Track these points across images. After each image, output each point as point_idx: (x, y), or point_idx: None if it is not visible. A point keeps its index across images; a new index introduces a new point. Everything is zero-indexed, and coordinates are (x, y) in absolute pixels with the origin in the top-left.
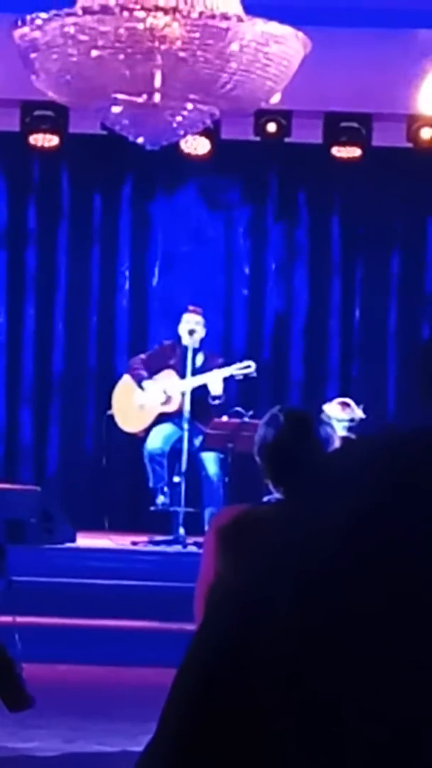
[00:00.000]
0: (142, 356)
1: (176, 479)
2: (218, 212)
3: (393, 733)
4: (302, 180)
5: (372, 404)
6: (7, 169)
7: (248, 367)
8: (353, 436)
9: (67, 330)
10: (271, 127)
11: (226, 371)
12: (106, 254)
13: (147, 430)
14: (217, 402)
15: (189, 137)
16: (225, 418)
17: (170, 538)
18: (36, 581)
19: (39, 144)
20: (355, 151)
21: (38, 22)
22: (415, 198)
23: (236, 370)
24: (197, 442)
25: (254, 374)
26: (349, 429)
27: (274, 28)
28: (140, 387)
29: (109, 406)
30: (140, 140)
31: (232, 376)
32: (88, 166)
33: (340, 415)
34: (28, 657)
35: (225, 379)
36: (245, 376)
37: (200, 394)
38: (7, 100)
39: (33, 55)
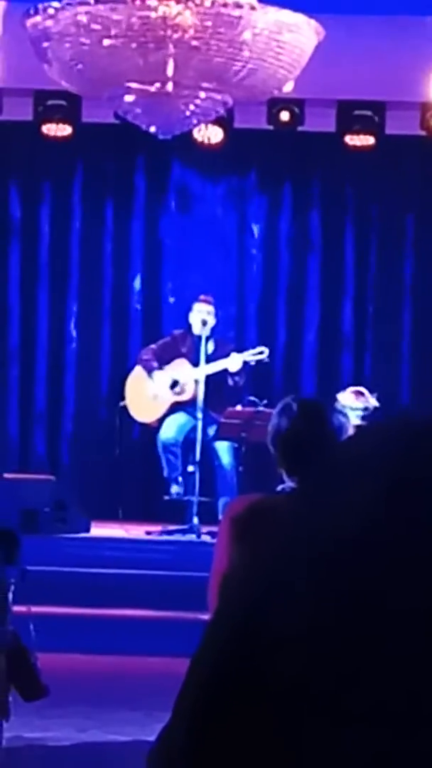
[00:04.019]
0: (153, 346)
1: (190, 469)
2: (232, 201)
3: (404, 733)
4: (315, 168)
5: (386, 393)
6: (20, 159)
7: (261, 353)
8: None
9: (80, 319)
10: (284, 115)
11: (240, 357)
12: (120, 243)
13: (161, 420)
14: (237, 379)
15: (202, 126)
16: (239, 408)
17: (184, 527)
18: (50, 571)
19: (52, 133)
20: (368, 140)
21: (50, 11)
22: (428, 186)
23: (250, 356)
24: (211, 431)
25: (267, 360)
26: (363, 418)
27: (287, 16)
28: (150, 377)
29: (122, 397)
30: (153, 129)
31: (245, 362)
32: (101, 155)
33: (354, 404)
34: (43, 646)
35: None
36: (258, 361)
37: (214, 382)
38: (20, 90)
39: (45, 44)
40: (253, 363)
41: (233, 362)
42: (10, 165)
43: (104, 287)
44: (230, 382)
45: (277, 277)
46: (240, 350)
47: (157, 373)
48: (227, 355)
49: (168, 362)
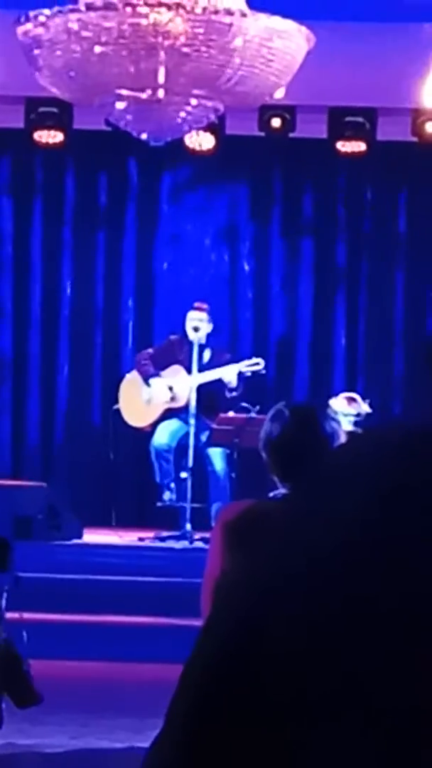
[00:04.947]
0: (150, 351)
1: (183, 475)
2: (223, 207)
3: (401, 733)
4: (307, 175)
5: (378, 399)
6: (12, 166)
7: (257, 364)
8: (359, 431)
9: (72, 324)
10: (276, 122)
11: (236, 367)
12: (112, 249)
13: (153, 425)
14: (234, 394)
15: (193, 133)
16: (231, 414)
17: (177, 533)
18: (43, 577)
19: (44, 140)
20: (359, 146)
21: (41, 18)
22: (420, 192)
23: (245, 366)
24: (204, 437)
25: (263, 371)
26: (356, 424)
27: (278, 23)
28: (146, 383)
29: (116, 401)
30: (144, 136)
31: (240, 372)
32: (92, 162)
33: (346, 410)
34: (36, 653)
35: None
36: (254, 372)
37: (207, 389)
38: (12, 97)
39: (36, 52)
40: (249, 374)
41: (229, 374)
42: (2, 172)
43: (96, 291)
44: (228, 395)
45: (269, 284)
46: (234, 360)
47: (154, 379)
48: (223, 365)
49: (164, 368)
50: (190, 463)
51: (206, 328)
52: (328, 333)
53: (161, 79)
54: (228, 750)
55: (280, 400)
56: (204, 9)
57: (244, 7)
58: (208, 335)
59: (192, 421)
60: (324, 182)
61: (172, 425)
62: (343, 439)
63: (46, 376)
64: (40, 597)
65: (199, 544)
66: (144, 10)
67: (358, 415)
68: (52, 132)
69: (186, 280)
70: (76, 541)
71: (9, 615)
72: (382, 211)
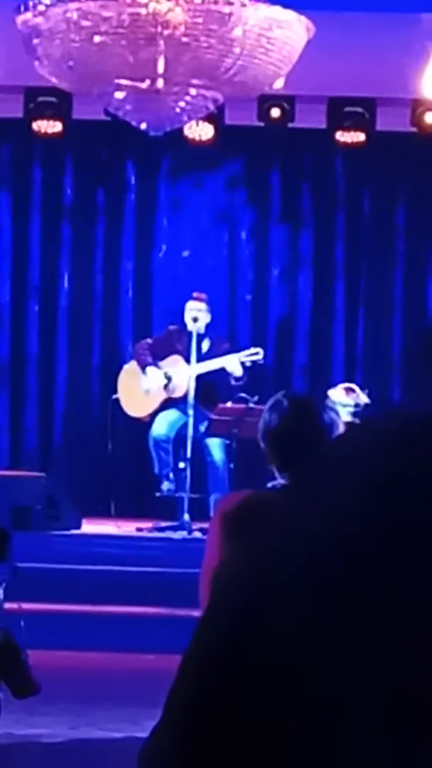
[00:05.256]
0: (149, 341)
1: (181, 465)
2: (222, 197)
3: (401, 725)
4: (306, 165)
5: (377, 389)
6: (11, 156)
7: (257, 353)
8: (358, 421)
9: (71, 315)
10: (275, 112)
11: (235, 357)
12: (110, 239)
13: (152, 416)
14: (241, 383)
15: (192, 123)
16: (230, 404)
17: (175, 524)
18: (41, 567)
19: (42, 130)
20: (359, 136)
21: (41, 7)
22: (419, 182)
23: (245, 356)
24: (202, 428)
25: (262, 361)
26: (354, 414)
27: (278, 12)
28: (144, 373)
29: (115, 391)
30: (144, 126)
31: (240, 362)
32: (91, 152)
33: (344, 400)
34: (34, 643)
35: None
36: (253, 362)
37: (206, 379)
38: (11, 87)
39: (36, 41)
40: (248, 364)
41: (231, 363)
42: (0, 161)
43: (95, 282)
44: (233, 383)
45: (268, 274)
46: (233, 349)
47: (151, 369)
48: (222, 354)
49: (162, 358)
50: (189, 453)
51: (205, 318)
52: (327, 323)
53: (160, 68)
54: (226, 741)
55: (278, 390)
56: None
57: None
58: (207, 325)
59: (190, 411)
60: (323, 172)
61: (170, 415)
62: (341, 429)
63: (45, 368)
64: (39, 587)
65: (197, 535)
66: None
67: (356, 405)
68: (51, 122)
69: (184, 271)
70: (74, 531)
71: (7, 605)
72: (381, 201)
